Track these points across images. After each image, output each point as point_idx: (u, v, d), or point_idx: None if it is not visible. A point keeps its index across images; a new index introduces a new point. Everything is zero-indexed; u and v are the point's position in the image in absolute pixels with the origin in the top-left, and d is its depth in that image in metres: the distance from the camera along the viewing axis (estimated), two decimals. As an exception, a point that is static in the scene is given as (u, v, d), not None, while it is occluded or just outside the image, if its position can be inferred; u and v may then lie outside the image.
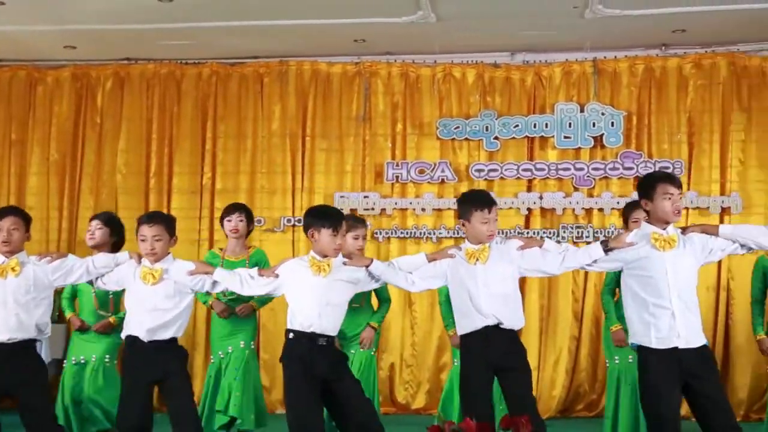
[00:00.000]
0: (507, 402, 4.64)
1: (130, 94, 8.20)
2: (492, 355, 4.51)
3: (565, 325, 7.65)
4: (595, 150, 7.80)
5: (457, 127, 7.93)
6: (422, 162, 7.95)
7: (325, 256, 4.61)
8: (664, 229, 4.34)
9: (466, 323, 4.57)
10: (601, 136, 7.75)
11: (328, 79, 8.10)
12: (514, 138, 7.86)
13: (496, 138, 7.87)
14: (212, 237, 7.95)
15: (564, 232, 7.72)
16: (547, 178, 7.81)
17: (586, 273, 7.43)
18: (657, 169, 7.51)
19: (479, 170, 7.87)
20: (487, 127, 7.88)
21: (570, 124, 7.79)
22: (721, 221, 7.46)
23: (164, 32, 7.45)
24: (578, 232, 7.69)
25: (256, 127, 8.14)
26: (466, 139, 7.93)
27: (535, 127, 7.85)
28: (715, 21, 7.09)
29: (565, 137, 7.80)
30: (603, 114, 7.75)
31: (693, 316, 4.31)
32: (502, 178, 7.85)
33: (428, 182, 7.93)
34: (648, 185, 4.39)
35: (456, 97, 8.00)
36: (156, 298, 4.70)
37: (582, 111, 7.77)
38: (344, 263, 4.66)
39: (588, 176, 7.75)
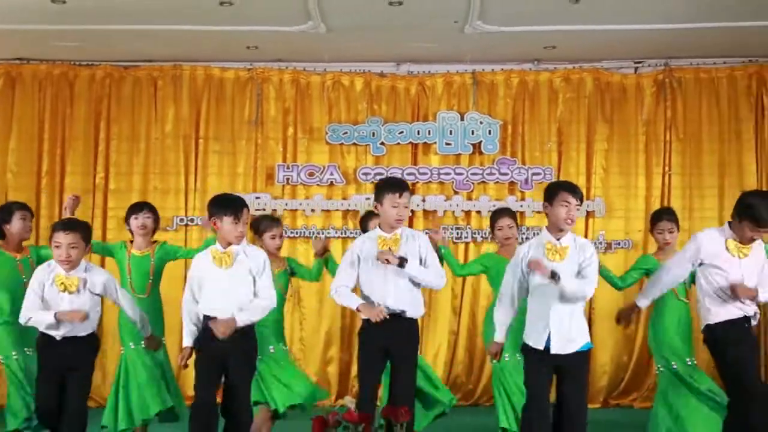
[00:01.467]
0: (391, 388, 4.99)
1: (22, 94, 8.19)
2: (388, 342, 4.84)
3: (445, 320, 8.11)
4: (473, 156, 8.26)
5: (346, 133, 8.29)
6: (312, 165, 8.27)
7: (229, 245, 4.87)
8: (558, 239, 4.65)
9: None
10: (480, 143, 8.22)
11: (221, 84, 8.32)
12: (399, 144, 8.26)
13: (382, 143, 8.25)
14: (105, 236, 8.03)
15: (444, 233, 8.16)
16: (430, 182, 8.25)
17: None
18: (531, 175, 8.13)
19: (366, 174, 8.25)
20: (373, 133, 8.26)
21: (451, 131, 8.23)
22: (586, 224, 8.10)
23: (57, 33, 7.44)
24: (458, 233, 8.17)
25: (149, 128, 8.28)
26: (354, 144, 8.29)
27: (418, 133, 8.27)
28: (582, 40, 7.62)
29: (447, 144, 8.24)
30: (481, 123, 8.22)
31: (570, 324, 4.62)
32: (388, 181, 8.25)
33: (318, 185, 8.26)
34: (551, 191, 4.70)
35: (344, 103, 8.35)
36: (73, 306, 4.93)
37: (462, 119, 8.22)
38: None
39: (467, 181, 8.23)
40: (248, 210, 4.96)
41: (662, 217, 6.03)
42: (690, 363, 5.76)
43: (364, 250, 4.97)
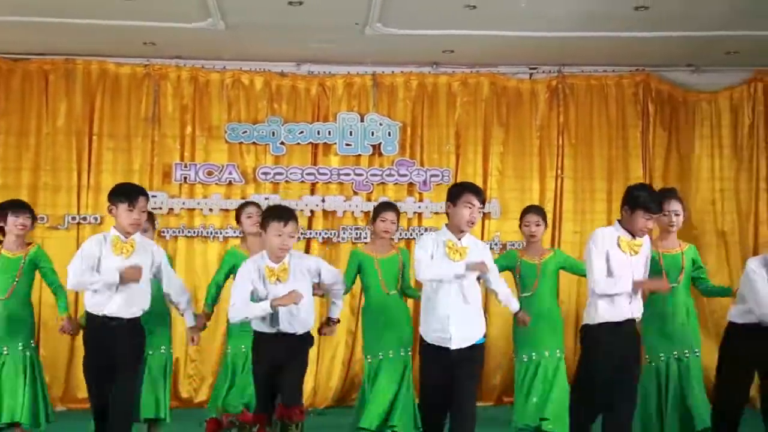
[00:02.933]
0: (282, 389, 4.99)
1: None
2: (277, 355, 4.81)
3: (343, 320, 8.11)
4: (373, 157, 8.33)
5: (245, 132, 8.23)
6: (210, 164, 8.18)
7: (127, 234, 4.78)
8: (459, 238, 4.75)
9: (263, 325, 4.82)
10: (379, 144, 8.29)
11: (117, 80, 8.14)
12: (299, 144, 8.26)
13: (282, 143, 8.23)
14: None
15: (344, 233, 8.22)
16: (329, 182, 8.27)
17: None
18: (430, 176, 8.25)
19: (265, 173, 8.21)
20: (273, 133, 8.23)
21: (351, 132, 8.29)
22: (483, 225, 8.25)
23: (-58, 22, 7.16)
24: (357, 234, 8.22)
25: (40, 123, 8.03)
26: (254, 143, 8.24)
27: (318, 134, 8.28)
28: (479, 45, 7.78)
29: (347, 144, 8.29)
30: (381, 124, 8.30)
31: (470, 318, 4.77)
32: (287, 181, 8.22)
33: (216, 184, 8.17)
34: (456, 192, 4.80)
35: (244, 102, 8.29)
36: None
37: (362, 121, 8.28)
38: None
39: (367, 182, 8.29)
40: (147, 199, 4.89)
41: (530, 210, 6.27)
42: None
43: (255, 280, 4.80)
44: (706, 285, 5.84)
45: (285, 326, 4.76)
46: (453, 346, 4.73)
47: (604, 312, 4.82)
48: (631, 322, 4.92)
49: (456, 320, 4.73)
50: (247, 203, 6.37)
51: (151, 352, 5.69)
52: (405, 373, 5.88)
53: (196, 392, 8.00)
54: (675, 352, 5.59)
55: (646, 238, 5.03)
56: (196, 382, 8.01)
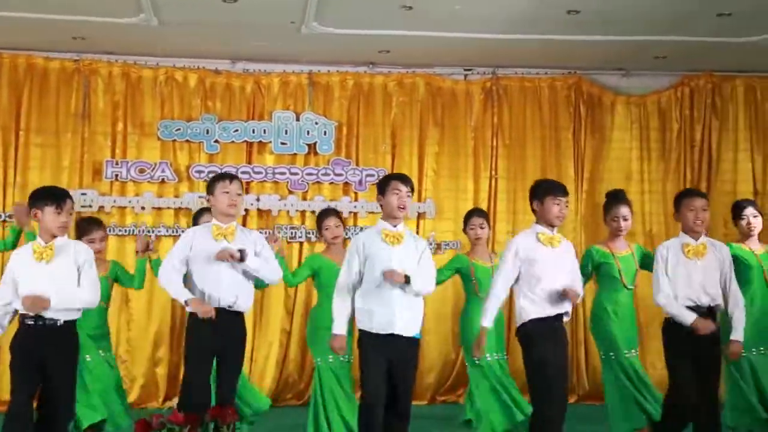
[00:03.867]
0: (218, 389, 4.96)
1: None
2: (216, 341, 4.83)
3: (277, 319, 8.11)
4: (309, 156, 8.31)
5: (179, 129, 8.13)
6: (143, 161, 8.06)
7: (53, 237, 4.68)
8: (395, 225, 4.85)
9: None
10: (315, 143, 8.27)
11: (45, 75, 7.96)
12: (233, 142, 8.19)
13: (216, 141, 8.15)
14: None
15: (279, 232, 8.16)
16: (264, 181, 8.22)
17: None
18: (365, 176, 8.26)
19: (199, 171, 8.11)
20: (207, 131, 8.14)
21: (286, 131, 8.25)
22: (418, 225, 8.32)
23: None
24: (292, 233, 8.19)
25: (-36, 118, 7.82)
26: (187, 141, 8.14)
27: (253, 132, 8.23)
28: (415, 45, 7.82)
29: (282, 143, 8.25)
30: (317, 123, 8.29)
31: (415, 307, 4.83)
32: (221, 179, 8.15)
33: (149, 181, 8.05)
34: (383, 182, 4.92)
35: (178, 99, 8.19)
36: None
37: (298, 120, 8.25)
38: None
39: (302, 181, 8.27)
40: (72, 202, 4.82)
41: (474, 213, 6.43)
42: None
43: (196, 243, 4.94)
44: None
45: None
46: (397, 332, 4.78)
47: (529, 311, 4.95)
48: (557, 317, 5.00)
49: (400, 307, 4.79)
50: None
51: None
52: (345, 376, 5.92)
53: (127, 393, 7.82)
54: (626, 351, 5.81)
55: (568, 242, 5.16)
56: (126, 383, 7.85)
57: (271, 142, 8.23)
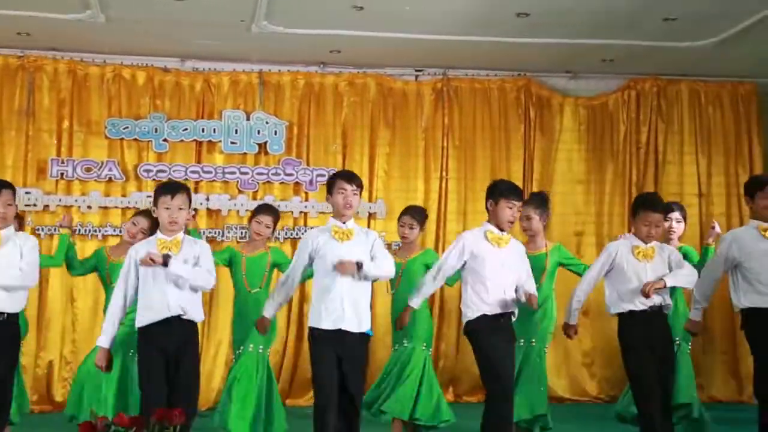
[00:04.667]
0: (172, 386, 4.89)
1: None
2: (169, 345, 4.71)
3: (227, 318, 7.99)
4: (259, 156, 8.27)
5: (126, 128, 8.02)
6: (89, 160, 7.94)
7: None
8: (344, 222, 4.85)
9: (150, 315, 4.72)
10: (266, 143, 8.23)
11: (-13, 71, 7.82)
12: (182, 141, 8.11)
13: (165, 140, 8.07)
14: None
15: (228, 232, 8.11)
16: (214, 180, 8.16)
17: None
18: (316, 176, 8.24)
19: (148, 170, 8.02)
20: (156, 129, 8.05)
21: (236, 130, 8.19)
22: (369, 225, 8.29)
23: None
24: (242, 233, 8.11)
25: None
26: (135, 139, 8.05)
27: (203, 131, 8.16)
28: (366, 46, 7.84)
29: (232, 143, 8.20)
30: (267, 123, 8.25)
31: (362, 303, 4.81)
32: (170, 179, 8.02)
33: (95, 180, 7.94)
34: (330, 182, 4.93)
35: (126, 97, 8.09)
36: None
37: (248, 119, 8.21)
38: None
39: (252, 180, 8.22)
40: (13, 191, 4.82)
41: (405, 211, 6.32)
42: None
43: (141, 255, 4.75)
44: (580, 271, 5.99)
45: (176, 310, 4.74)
46: (345, 327, 4.75)
47: (475, 308, 5.05)
48: (503, 315, 5.09)
49: (348, 302, 4.77)
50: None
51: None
52: (260, 370, 5.87)
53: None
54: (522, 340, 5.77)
55: (518, 243, 5.28)
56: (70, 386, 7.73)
57: (221, 141, 8.17)
